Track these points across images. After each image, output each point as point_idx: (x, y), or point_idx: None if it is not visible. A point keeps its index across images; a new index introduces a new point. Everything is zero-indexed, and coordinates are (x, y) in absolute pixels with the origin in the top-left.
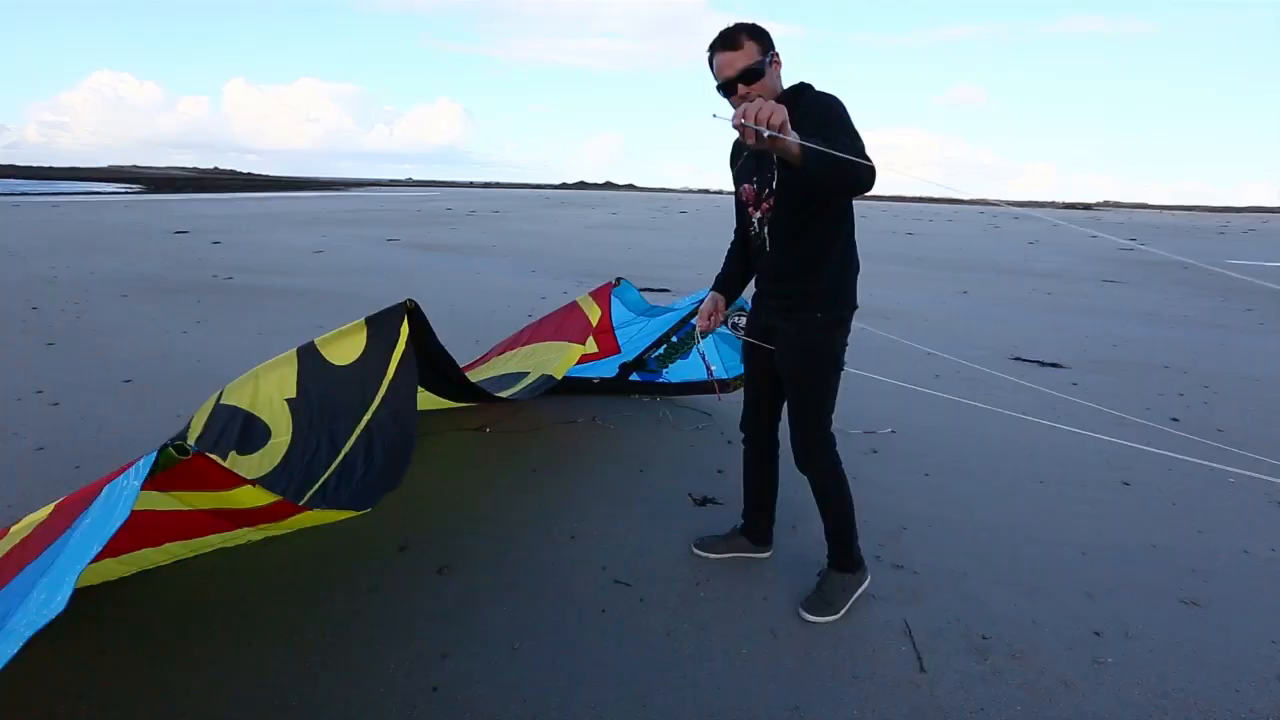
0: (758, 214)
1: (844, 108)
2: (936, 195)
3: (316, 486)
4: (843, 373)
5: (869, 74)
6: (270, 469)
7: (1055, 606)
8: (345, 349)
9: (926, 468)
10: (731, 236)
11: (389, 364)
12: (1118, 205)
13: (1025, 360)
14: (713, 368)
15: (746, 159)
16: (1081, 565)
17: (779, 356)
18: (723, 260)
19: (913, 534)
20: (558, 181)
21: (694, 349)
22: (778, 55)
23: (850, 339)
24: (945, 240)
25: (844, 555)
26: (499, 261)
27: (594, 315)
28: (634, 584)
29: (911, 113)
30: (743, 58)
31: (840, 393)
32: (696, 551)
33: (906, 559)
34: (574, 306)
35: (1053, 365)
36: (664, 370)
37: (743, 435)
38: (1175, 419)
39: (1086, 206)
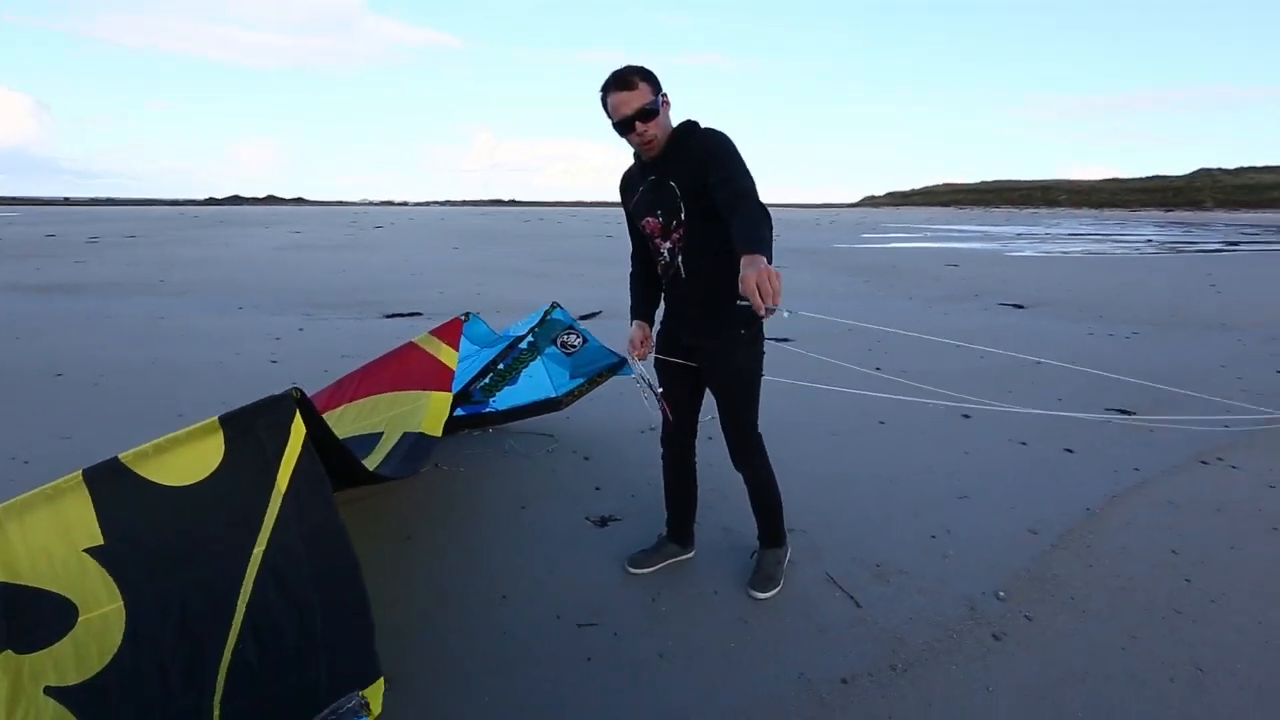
0: (667, 244)
1: (734, 146)
2: (601, 199)
3: (225, 667)
4: None
5: (535, 88)
6: (103, 665)
7: (902, 527)
8: (183, 462)
9: None
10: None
11: (274, 474)
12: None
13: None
14: (658, 390)
15: (643, 193)
16: (899, 489)
17: (707, 372)
18: (630, 291)
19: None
20: (203, 196)
21: (522, 373)
22: (667, 96)
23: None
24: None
25: (776, 532)
26: (182, 300)
27: (448, 357)
28: (599, 622)
29: (577, 127)
30: (638, 98)
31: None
32: (633, 570)
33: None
34: (412, 349)
35: (784, 340)
36: (490, 399)
37: (663, 450)
38: (878, 368)
39: None
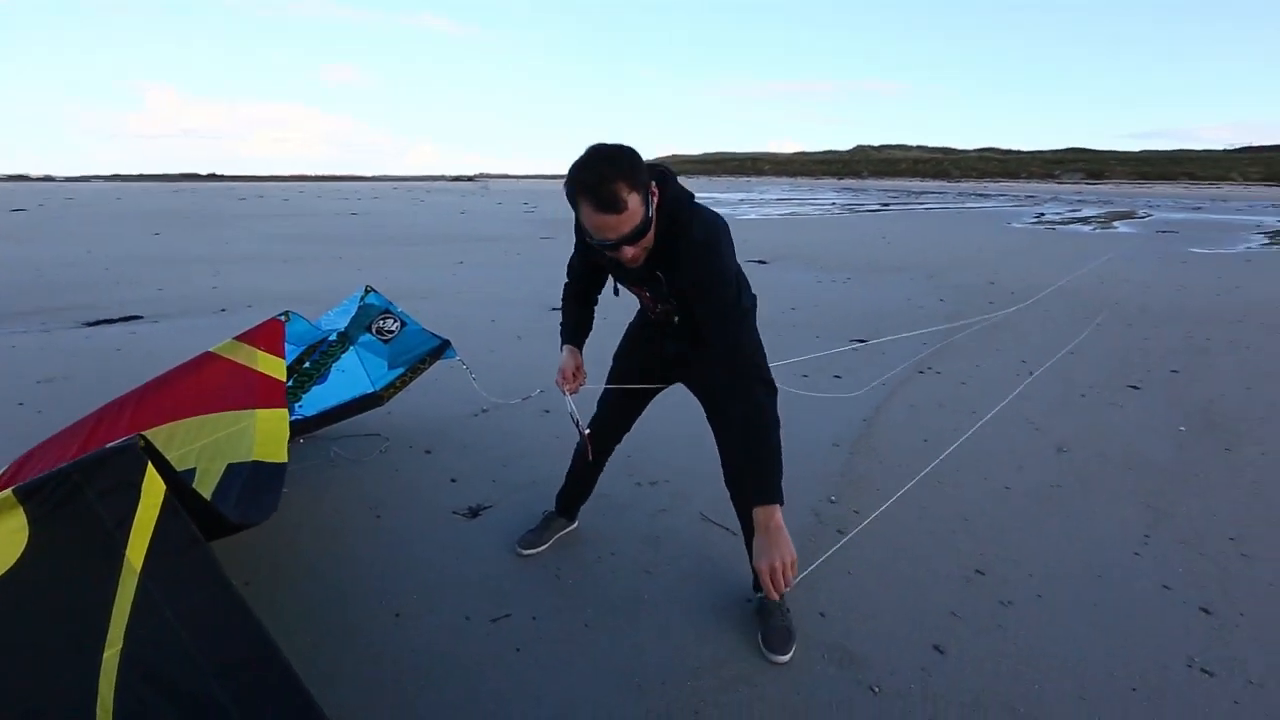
0: (661, 307)
1: (725, 266)
2: (337, 173)
3: None
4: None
5: (232, 37)
6: None
7: None
8: None
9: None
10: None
11: (122, 550)
12: (489, 175)
13: (560, 309)
14: (585, 430)
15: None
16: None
17: (699, 373)
18: (562, 315)
19: (642, 457)
20: None
21: (332, 368)
22: (653, 186)
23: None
24: (398, 218)
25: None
26: None
27: (270, 366)
28: (511, 611)
29: (292, 88)
30: (628, 220)
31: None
32: (526, 552)
33: (650, 476)
34: (211, 361)
35: None
36: (297, 404)
37: (591, 449)
38: None
39: (470, 178)
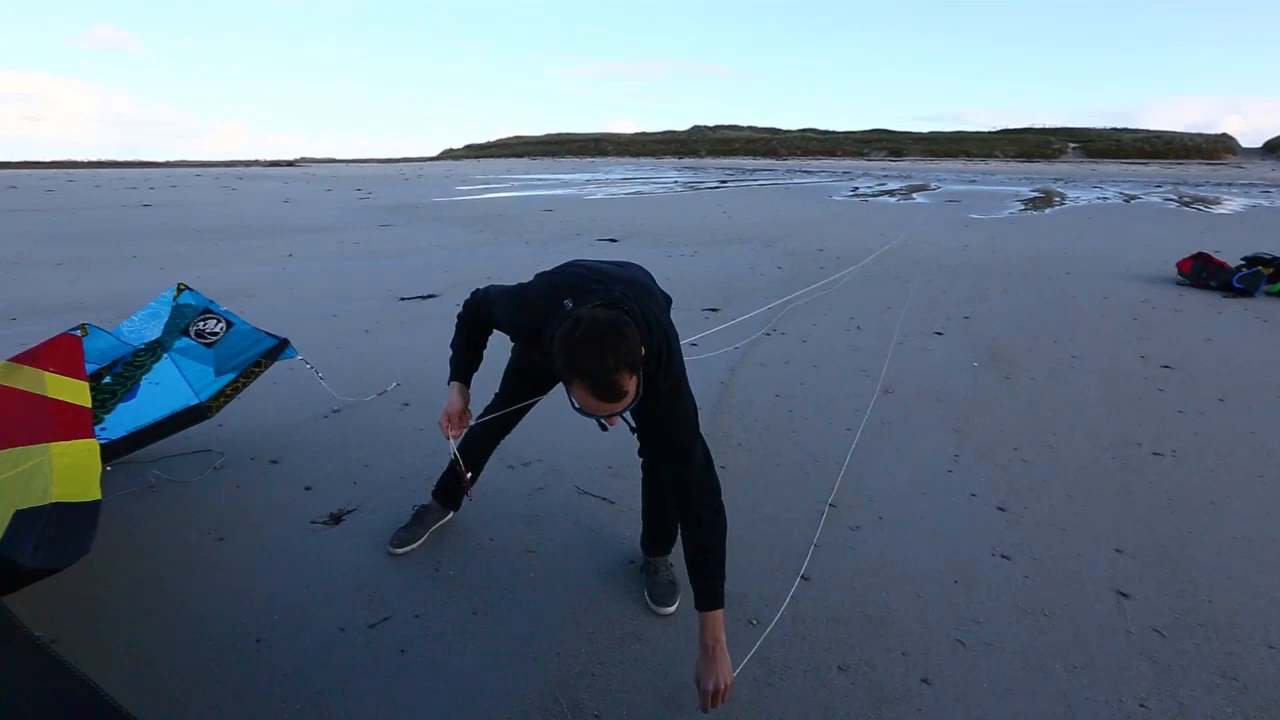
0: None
1: (692, 407)
2: (119, 159)
3: None
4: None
5: None
6: None
7: (603, 436)
8: None
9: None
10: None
11: None
12: (313, 160)
13: (410, 298)
14: (468, 476)
15: None
16: None
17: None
18: (454, 347)
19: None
20: None
21: (142, 381)
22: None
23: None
24: (208, 209)
25: (671, 538)
26: None
27: (69, 390)
28: (391, 614)
29: (42, 54)
30: (625, 404)
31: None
32: (399, 551)
33: (524, 457)
34: None
35: (432, 296)
36: (100, 426)
37: (468, 488)
38: None
39: (290, 163)
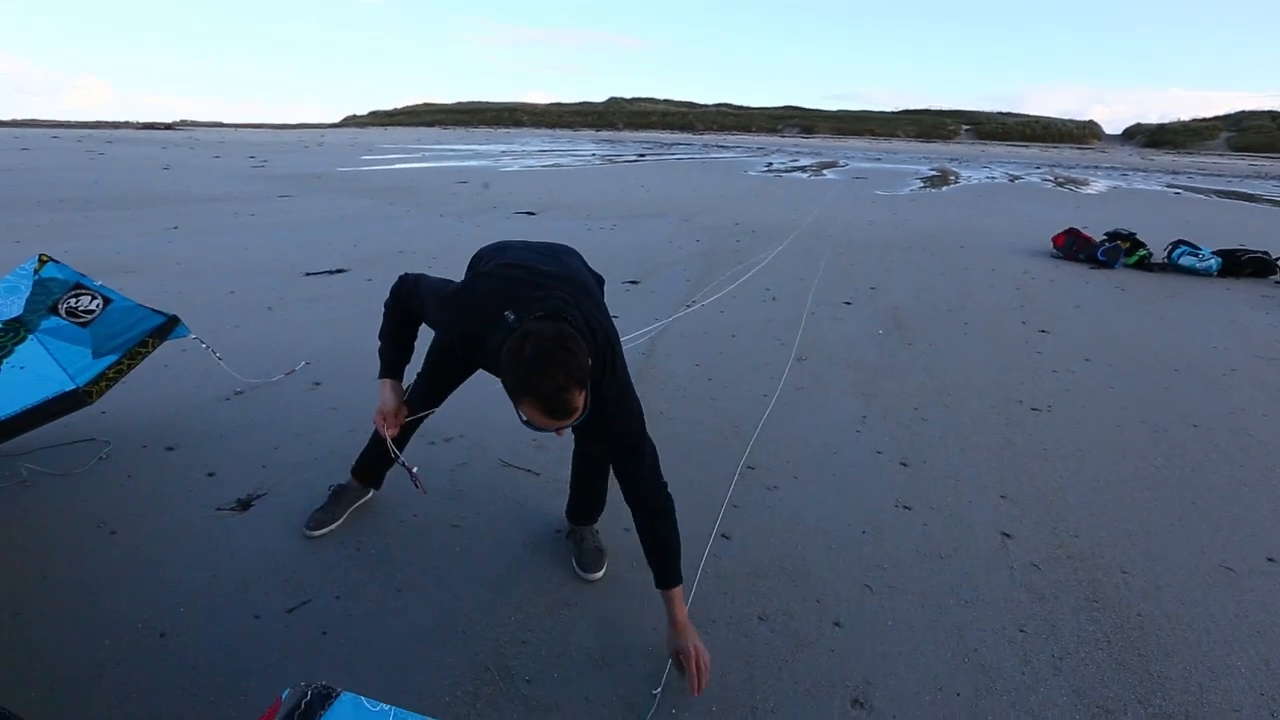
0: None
1: (637, 409)
2: None
3: None
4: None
5: None
6: None
7: None
8: None
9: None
10: None
11: None
12: (195, 124)
13: (317, 273)
14: (414, 470)
15: None
16: None
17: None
18: (383, 338)
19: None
20: None
21: (2, 365)
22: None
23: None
24: (72, 175)
25: (598, 509)
26: None
27: None
28: (310, 598)
29: None
30: (577, 415)
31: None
32: (315, 534)
33: (446, 431)
34: None
35: (340, 271)
36: None
37: (417, 483)
38: None
39: (168, 126)
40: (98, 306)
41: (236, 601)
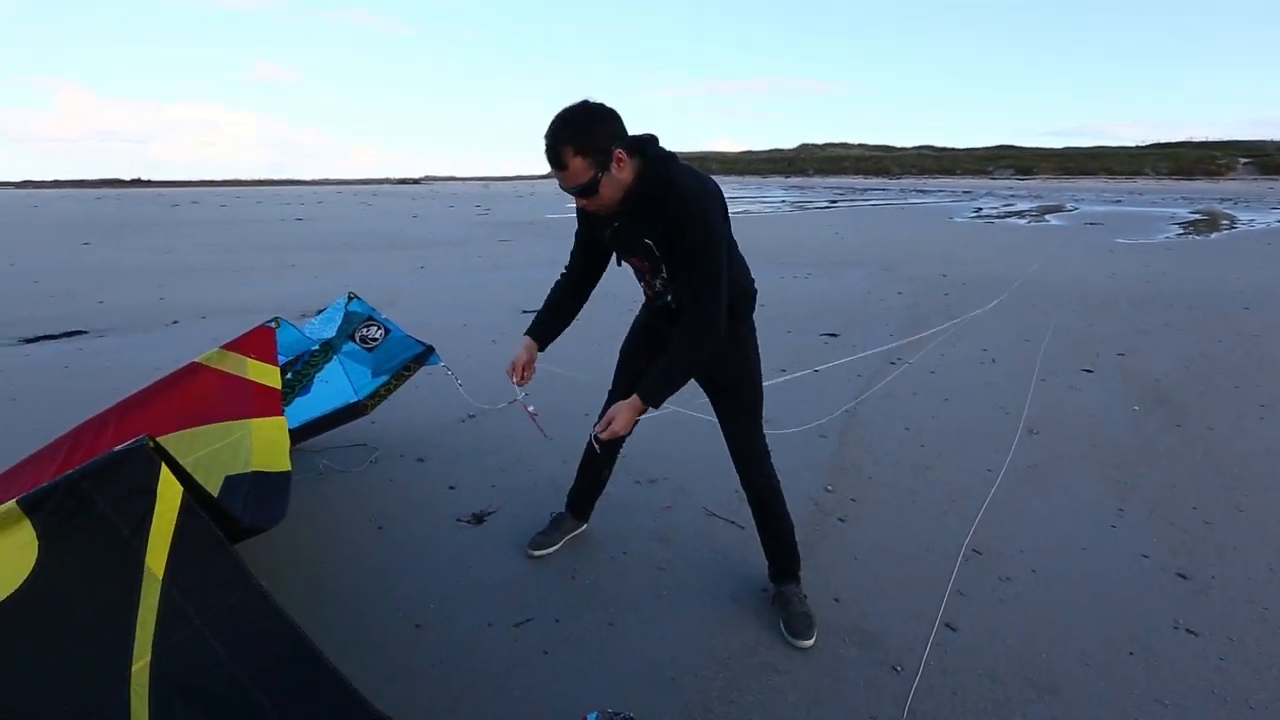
0: (658, 282)
1: (716, 227)
2: (274, 177)
3: None
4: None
5: (143, 33)
6: None
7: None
8: None
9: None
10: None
11: (141, 557)
12: (436, 178)
13: (530, 311)
14: (535, 414)
15: (617, 231)
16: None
17: (705, 377)
18: (547, 296)
19: (638, 455)
20: None
21: (315, 379)
22: (620, 152)
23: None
24: (348, 223)
25: (791, 562)
26: None
27: (263, 374)
28: (534, 616)
29: (216, 88)
30: (573, 176)
31: None
32: (536, 554)
33: (651, 473)
34: (198, 372)
35: None
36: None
37: (541, 429)
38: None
39: (416, 181)
40: (381, 335)
41: (473, 608)
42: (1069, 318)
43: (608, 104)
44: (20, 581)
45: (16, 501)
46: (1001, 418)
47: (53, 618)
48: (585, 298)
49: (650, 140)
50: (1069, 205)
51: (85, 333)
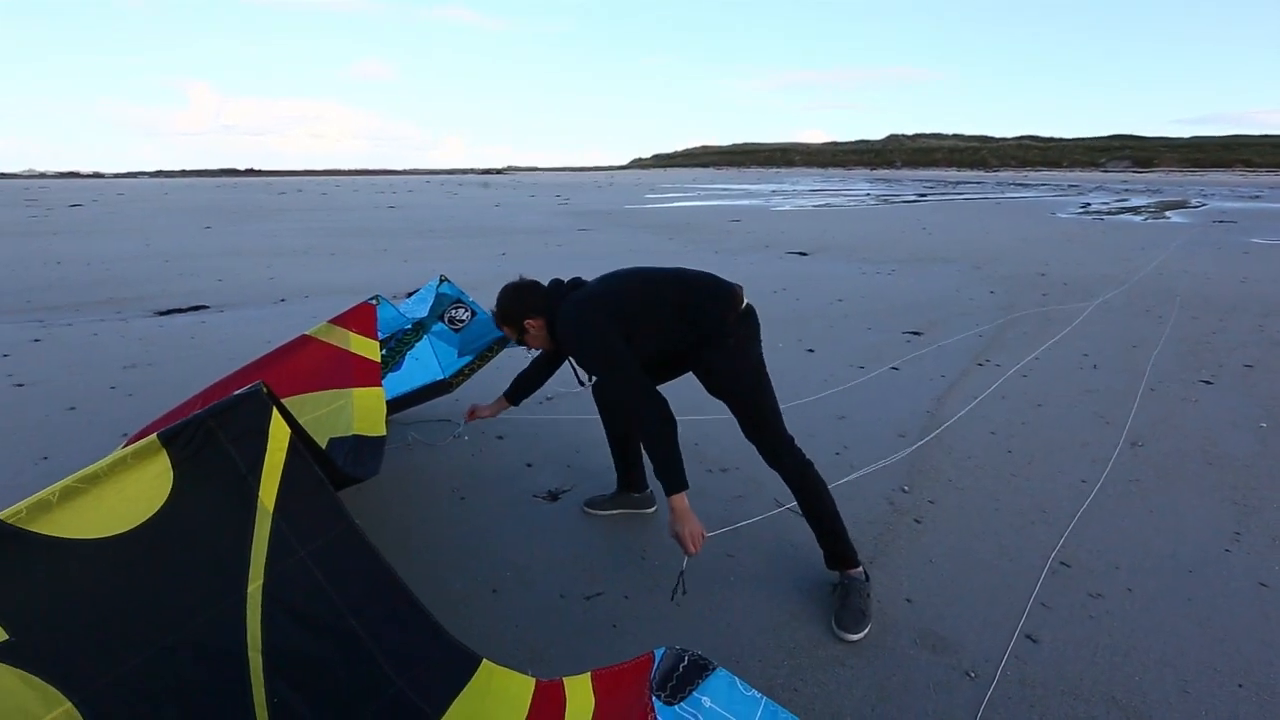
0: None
1: (590, 350)
2: (369, 167)
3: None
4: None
5: (263, 37)
6: None
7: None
8: (110, 504)
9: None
10: None
11: (255, 491)
12: (517, 169)
13: None
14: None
15: (558, 351)
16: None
17: (707, 384)
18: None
19: (708, 444)
20: None
21: (407, 356)
22: (529, 321)
23: None
24: (435, 211)
25: (842, 548)
26: None
27: (364, 347)
28: (604, 590)
29: (323, 85)
30: (509, 334)
31: None
32: (591, 511)
33: (720, 463)
34: (308, 344)
35: None
36: None
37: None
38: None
39: (499, 171)
40: (468, 317)
41: (547, 578)
42: (1188, 324)
43: (528, 278)
44: (161, 504)
45: (157, 435)
46: (1101, 427)
47: (185, 538)
48: (552, 373)
49: (555, 293)
50: (1195, 201)
51: (207, 307)
